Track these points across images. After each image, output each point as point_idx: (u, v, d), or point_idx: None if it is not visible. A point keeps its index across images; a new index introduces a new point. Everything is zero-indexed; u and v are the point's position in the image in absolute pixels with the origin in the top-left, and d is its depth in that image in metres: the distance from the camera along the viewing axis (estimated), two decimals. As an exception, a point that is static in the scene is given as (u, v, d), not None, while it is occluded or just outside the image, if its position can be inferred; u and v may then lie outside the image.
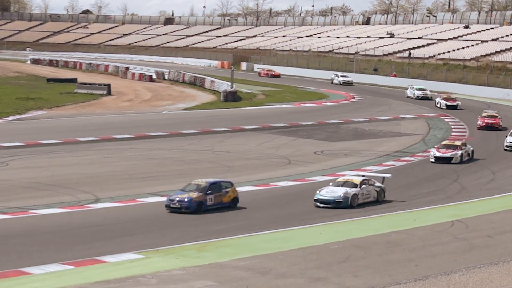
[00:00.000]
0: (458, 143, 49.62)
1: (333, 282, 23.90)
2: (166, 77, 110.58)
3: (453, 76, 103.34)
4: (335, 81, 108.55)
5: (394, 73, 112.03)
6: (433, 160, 48.39)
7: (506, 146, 52.65)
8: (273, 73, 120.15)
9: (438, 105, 79.29)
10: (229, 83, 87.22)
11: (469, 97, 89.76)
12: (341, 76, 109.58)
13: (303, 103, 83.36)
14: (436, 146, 51.40)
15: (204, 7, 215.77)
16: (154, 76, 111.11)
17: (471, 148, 50.01)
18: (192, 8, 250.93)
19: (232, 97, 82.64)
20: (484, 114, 64.18)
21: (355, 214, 34.40)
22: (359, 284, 23.73)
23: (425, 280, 24.14)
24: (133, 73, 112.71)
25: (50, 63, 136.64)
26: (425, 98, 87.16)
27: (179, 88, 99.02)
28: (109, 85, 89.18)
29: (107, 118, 68.17)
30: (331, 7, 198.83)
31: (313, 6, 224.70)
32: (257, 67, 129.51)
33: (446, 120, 70.05)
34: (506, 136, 53.90)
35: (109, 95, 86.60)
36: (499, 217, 34.16)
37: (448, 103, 78.54)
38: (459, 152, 48.20)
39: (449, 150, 48.44)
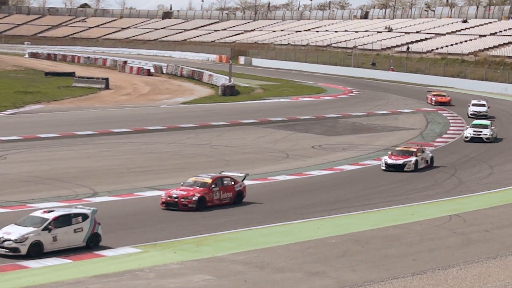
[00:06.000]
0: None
1: (330, 276, 23.92)
2: (164, 71, 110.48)
3: (451, 70, 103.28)
4: (469, 112, 68.89)
5: (392, 67, 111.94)
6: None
7: None
8: (442, 98, 78.03)
9: None
10: (227, 77, 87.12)
11: (467, 91, 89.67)
12: (473, 104, 69.93)
13: (301, 97, 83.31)
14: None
15: (202, 1, 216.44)
16: (152, 70, 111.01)
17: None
18: (190, 2, 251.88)
19: (230, 91, 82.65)
20: None
21: (353, 209, 34.41)
22: (356, 278, 23.75)
23: (423, 274, 24.17)
24: (131, 67, 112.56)
25: (48, 57, 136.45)
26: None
27: (177, 82, 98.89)
28: (107, 79, 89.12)
29: (105, 112, 68.09)
30: (329, 1, 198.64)
31: (311, 0, 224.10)
32: (427, 90, 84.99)
33: (444, 114, 70.04)
34: None
35: (107, 89, 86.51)
36: (497, 212, 34.20)
37: None
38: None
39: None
